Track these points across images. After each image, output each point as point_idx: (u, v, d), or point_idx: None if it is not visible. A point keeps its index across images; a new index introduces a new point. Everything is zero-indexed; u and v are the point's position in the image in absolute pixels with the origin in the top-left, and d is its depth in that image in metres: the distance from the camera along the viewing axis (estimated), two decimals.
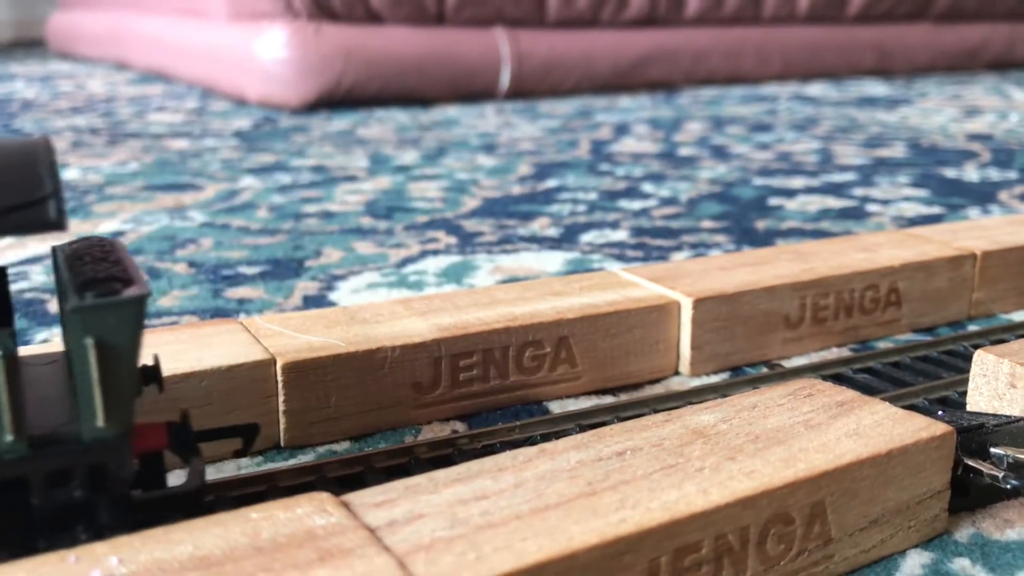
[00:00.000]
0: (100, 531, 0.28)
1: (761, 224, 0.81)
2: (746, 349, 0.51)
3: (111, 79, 2.05)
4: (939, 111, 1.55)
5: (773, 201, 0.90)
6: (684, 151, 1.17)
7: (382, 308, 0.47)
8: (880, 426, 0.34)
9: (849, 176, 1.02)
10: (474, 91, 1.64)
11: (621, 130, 1.35)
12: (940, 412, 0.39)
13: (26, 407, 0.26)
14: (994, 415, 0.39)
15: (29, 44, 3.11)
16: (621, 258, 0.70)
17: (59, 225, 0.25)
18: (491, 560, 0.26)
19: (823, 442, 0.33)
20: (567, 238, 0.76)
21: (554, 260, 0.70)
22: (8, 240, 0.75)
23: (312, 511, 0.28)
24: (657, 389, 0.49)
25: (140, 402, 0.28)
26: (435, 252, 0.72)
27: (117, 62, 2.32)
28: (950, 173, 1.03)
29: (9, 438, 0.26)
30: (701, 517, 0.29)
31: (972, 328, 0.57)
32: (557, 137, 1.27)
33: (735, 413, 0.35)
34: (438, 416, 0.45)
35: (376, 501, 0.29)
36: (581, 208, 0.86)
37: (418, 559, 0.26)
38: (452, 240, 0.75)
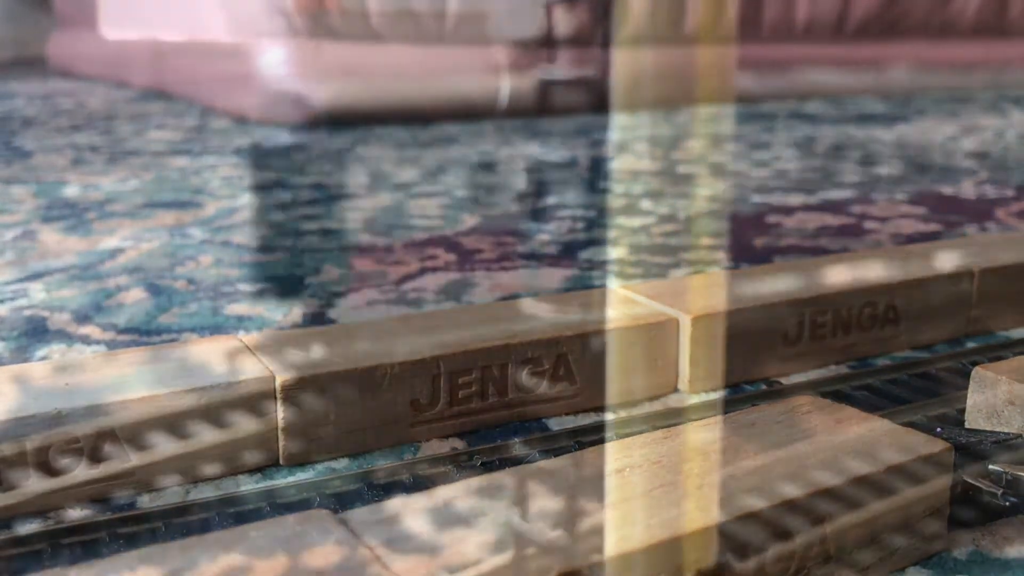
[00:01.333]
0: None
1: (759, 241, 0.81)
2: (745, 366, 0.51)
3: (111, 97, 2.06)
4: (937, 129, 1.55)
5: (771, 218, 0.90)
6: (683, 169, 1.18)
7: (381, 325, 0.47)
8: (878, 443, 0.34)
9: (847, 193, 1.02)
10: (473, 109, 1.65)
11: (620, 147, 1.35)
12: (938, 429, 0.40)
13: None
14: (992, 432, 0.39)
15: (30, 62, 3.12)
16: (620, 275, 0.70)
17: None
18: None
19: (821, 459, 0.33)
20: (566, 255, 0.76)
21: (553, 277, 0.70)
22: (7, 257, 0.75)
23: (311, 529, 0.28)
24: (656, 406, 0.49)
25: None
26: (434, 269, 0.72)
27: (117, 80, 2.33)
28: (947, 190, 1.04)
29: None
30: (700, 534, 0.29)
31: (970, 345, 0.57)
32: (556, 154, 1.28)
33: (734, 430, 0.35)
34: (437, 433, 0.45)
35: (375, 519, 0.29)
36: (580, 225, 0.87)
37: None
38: (451, 257, 0.75)
